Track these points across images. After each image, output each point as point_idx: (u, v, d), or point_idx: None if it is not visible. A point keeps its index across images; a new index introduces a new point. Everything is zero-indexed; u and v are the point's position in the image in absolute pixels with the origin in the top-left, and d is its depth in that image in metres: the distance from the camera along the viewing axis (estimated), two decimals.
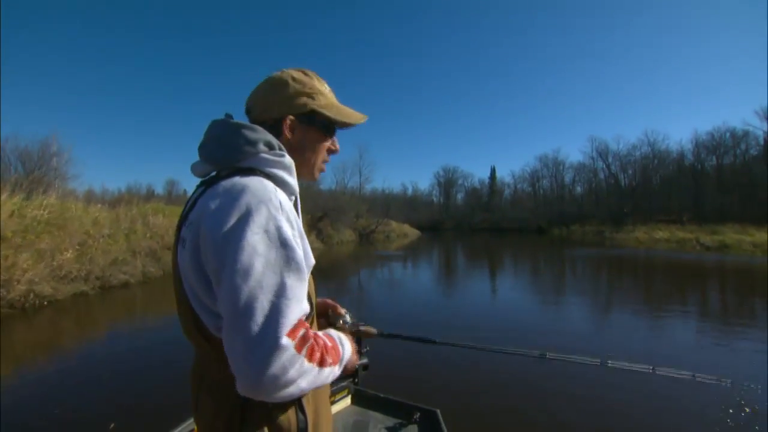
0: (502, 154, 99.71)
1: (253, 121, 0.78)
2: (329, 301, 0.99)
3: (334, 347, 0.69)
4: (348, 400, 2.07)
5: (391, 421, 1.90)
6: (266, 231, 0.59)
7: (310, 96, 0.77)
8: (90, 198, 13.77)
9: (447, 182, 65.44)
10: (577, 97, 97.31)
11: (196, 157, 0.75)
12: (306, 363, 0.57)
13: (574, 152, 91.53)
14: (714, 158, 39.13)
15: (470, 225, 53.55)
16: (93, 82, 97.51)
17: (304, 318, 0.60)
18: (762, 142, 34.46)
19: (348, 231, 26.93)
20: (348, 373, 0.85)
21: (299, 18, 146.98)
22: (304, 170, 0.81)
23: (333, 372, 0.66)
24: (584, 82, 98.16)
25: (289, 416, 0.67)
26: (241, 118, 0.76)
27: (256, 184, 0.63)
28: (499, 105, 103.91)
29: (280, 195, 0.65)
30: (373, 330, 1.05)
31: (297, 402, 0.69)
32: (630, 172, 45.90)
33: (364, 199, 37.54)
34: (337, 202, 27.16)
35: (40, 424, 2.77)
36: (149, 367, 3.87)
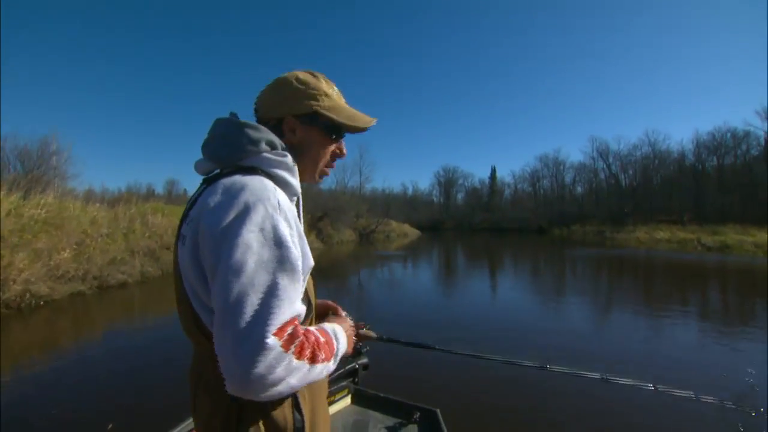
0: (502, 154, 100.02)
1: (258, 121, 0.79)
2: (330, 302, 0.99)
3: (328, 342, 0.68)
4: (348, 400, 2.06)
5: (390, 421, 1.89)
6: (262, 229, 0.59)
7: (313, 97, 0.77)
8: (89, 197, 13.67)
9: (447, 182, 65.45)
10: (577, 97, 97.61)
11: (197, 157, 0.76)
12: (295, 361, 0.56)
13: (575, 152, 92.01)
14: (715, 158, 39.15)
15: (470, 225, 53.50)
16: (93, 82, 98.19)
17: (295, 319, 0.59)
18: (763, 143, 34.46)
19: (348, 231, 26.92)
20: (348, 354, 0.85)
21: (299, 18, 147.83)
22: (306, 172, 0.81)
23: (327, 367, 0.65)
24: (584, 82, 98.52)
25: (286, 415, 0.67)
26: (246, 118, 0.76)
27: (256, 183, 0.63)
28: (499, 105, 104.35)
29: (280, 195, 0.65)
30: (372, 334, 1.06)
31: (293, 401, 0.69)
32: (631, 172, 45.88)
33: (364, 199, 37.51)
34: (337, 202, 27.13)
35: (39, 424, 2.76)
36: (148, 366, 3.87)
